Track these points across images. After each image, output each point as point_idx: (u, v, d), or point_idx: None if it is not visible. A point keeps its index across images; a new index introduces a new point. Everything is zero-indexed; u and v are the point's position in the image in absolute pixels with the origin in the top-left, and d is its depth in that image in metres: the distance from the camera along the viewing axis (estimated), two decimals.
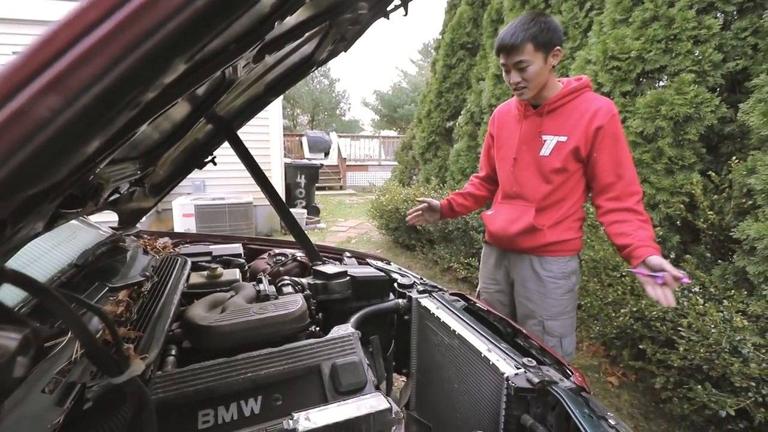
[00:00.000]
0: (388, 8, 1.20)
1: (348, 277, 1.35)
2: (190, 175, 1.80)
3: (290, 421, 0.74)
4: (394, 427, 0.80)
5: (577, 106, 1.38)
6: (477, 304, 1.33)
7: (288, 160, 7.80)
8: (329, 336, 1.03)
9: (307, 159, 11.51)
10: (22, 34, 4.41)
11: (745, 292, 1.90)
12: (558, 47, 1.33)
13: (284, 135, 9.04)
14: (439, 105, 5.51)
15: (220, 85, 1.02)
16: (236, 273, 1.40)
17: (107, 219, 1.64)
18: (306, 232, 1.63)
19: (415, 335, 1.34)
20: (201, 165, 1.68)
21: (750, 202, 1.99)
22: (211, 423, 0.81)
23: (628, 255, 1.28)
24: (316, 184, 7.94)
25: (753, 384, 1.66)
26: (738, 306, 1.85)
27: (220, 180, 5.95)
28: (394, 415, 0.80)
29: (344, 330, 1.06)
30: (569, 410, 0.80)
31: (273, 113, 6.16)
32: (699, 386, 1.81)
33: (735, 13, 2.34)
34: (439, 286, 1.42)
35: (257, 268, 1.61)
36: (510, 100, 1.60)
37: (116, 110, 0.32)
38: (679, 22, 2.35)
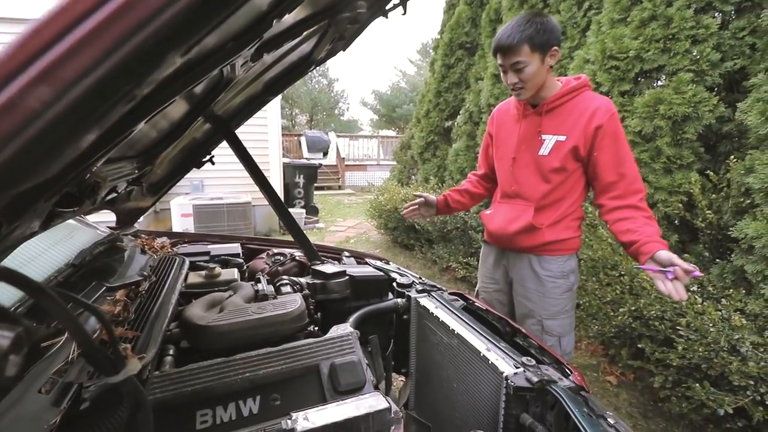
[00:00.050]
0: (387, 7, 1.20)
1: (347, 277, 1.35)
2: (188, 175, 1.79)
3: (289, 421, 0.73)
4: (393, 427, 0.80)
5: (576, 105, 1.38)
6: (476, 304, 1.33)
7: (286, 160, 7.80)
8: (328, 336, 1.02)
9: (306, 159, 11.50)
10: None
11: (744, 291, 1.90)
12: (555, 47, 1.32)
13: (283, 135, 9.04)
14: (437, 105, 5.51)
15: (218, 84, 1.01)
16: (234, 273, 1.39)
17: (105, 219, 1.64)
18: (304, 231, 1.63)
19: (414, 335, 1.34)
20: (199, 164, 1.67)
21: (748, 201, 1.99)
22: (210, 423, 0.80)
23: (636, 252, 1.26)
24: (315, 184, 7.93)
25: (751, 383, 1.67)
26: (736, 305, 1.85)
27: (219, 180, 5.94)
28: (393, 415, 0.80)
29: (343, 329, 1.06)
30: (568, 409, 0.80)
31: (271, 113, 6.15)
32: (697, 385, 1.81)
33: (733, 12, 2.34)
34: (438, 286, 1.42)
35: (256, 267, 1.61)
36: (509, 99, 1.60)
37: (110, 104, 0.32)
38: (678, 22, 2.35)
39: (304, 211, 6.98)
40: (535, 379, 0.87)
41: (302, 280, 1.35)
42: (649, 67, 2.50)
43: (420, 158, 5.91)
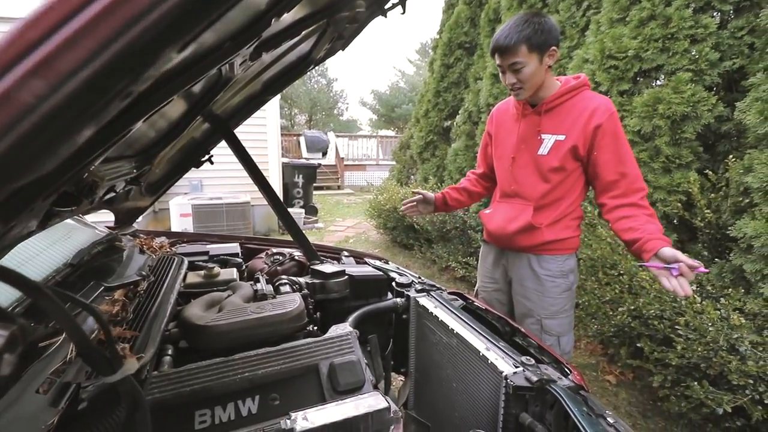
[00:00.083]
0: (386, 6, 1.20)
1: (346, 277, 1.34)
2: (187, 175, 1.79)
3: (288, 421, 0.73)
4: (392, 427, 0.79)
5: (576, 104, 1.38)
6: (475, 303, 1.33)
7: (285, 160, 7.79)
8: (327, 335, 1.02)
9: (305, 159, 11.50)
10: None
11: (742, 290, 1.90)
12: (554, 47, 1.32)
13: (282, 134, 9.03)
14: (436, 104, 5.51)
15: (217, 83, 1.01)
16: (233, 272, 1.39)
17: (104, 219, 1.63)
18: (304, 231, 1.62)
19: (414, 334, 1.34)
20: (198, 164, 1.67)
21: (747, 201, 1.99)
22: (208, 423, 0.80)
23: (639, 249, 1.25)
24: (314, 184, 7.92)
25: (750, 382, 1.67)
26: (735, 304, 1.85)
27: (218, 180, 5.94)
28: (392, 415, 0.80)
29: (342, 329, 1.06)
30: (568, 408, 0.80)
31: (270, 112, 6.14)
32: (696, 384, 1.81)
33: (732, 12, 2.34)
34: (438, 285, 1.42)
35: (255, 267, 1.60)
36: (508, 98, 1.60)
37: (106, 99, 0.31)
38: (676, 21, 2.35)
39: (303, 210, 6.98)
40: (535, 379, 0.87)
41: (301, 279, 1.35)
42: (648, 66, 2.50)
43: (419, 158, 5.91)
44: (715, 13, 2.38)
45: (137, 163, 1.10)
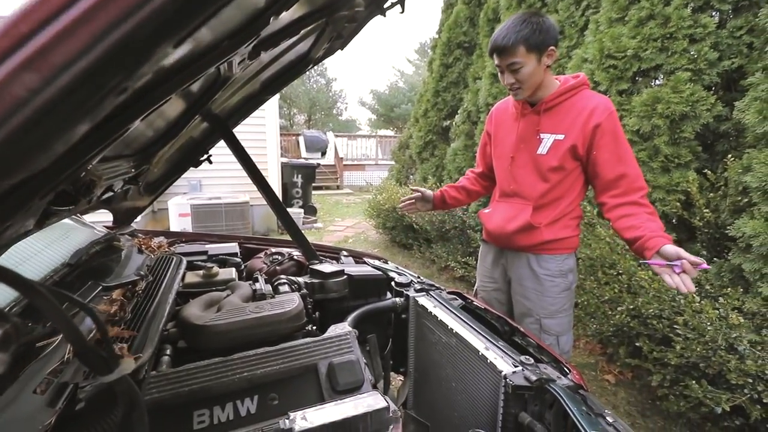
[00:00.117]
0: (385, 5, 1.19)
1: (345, 276, 1.34)
2: (186, 175, 1.79)
3: (287, 421, 0.73)
4: (391, 426, 0.79)
5: (575, 104, 1.38)
6: (474, 303, 1.33)
7: (285, 160, 7.78)
8: (326, 335, 1.02)
9: (304, 158, 11.48)
10: None
11: (741, 290, 1.90)
12: (552, 47, 1.32)
13: (281, 134, 9.01)
14: (435, 104, 5.50)
15: (215, 82, 1.01)
16: (232, 272, 1.39)
17: (102, 218, 1.63)
18: (303, 231, 1.62)
19: (413, 334, 1.34)
20: (196, 163, 1.67)
21: (745, 200, 2.00)
22: (207, 423, 0.80)
23: (641, 247, 1.24)
24: (313, 184, 7.91)
25: (749, 381, 1.67)
26: (734, 303, 1.86)
27: (217, 179, 5.93)
28: (391, 414, 0.79)
29: (341, 329, 1.05)
30: (567, 408, 0.80)
31: (269, 112, 6.13)
32: (695, 383, 1.81)
33: (730, 11, 2.34)
34: (437, 285, 1.42)
35: (254, 267, 1.60)
36: (507, 98, 1.59)
37: (101, 94, 0.31)
38: (675, 21, 2.35)
39: (302, 210, 6.97)
40: (534, 378, 0.87)
41: (300, 279, 1.34)
42: (647, 66, 2.50)
43: (418, 158, 5.91)
44: (714, 13, 2.38)
45: (135, 162, 1.10)
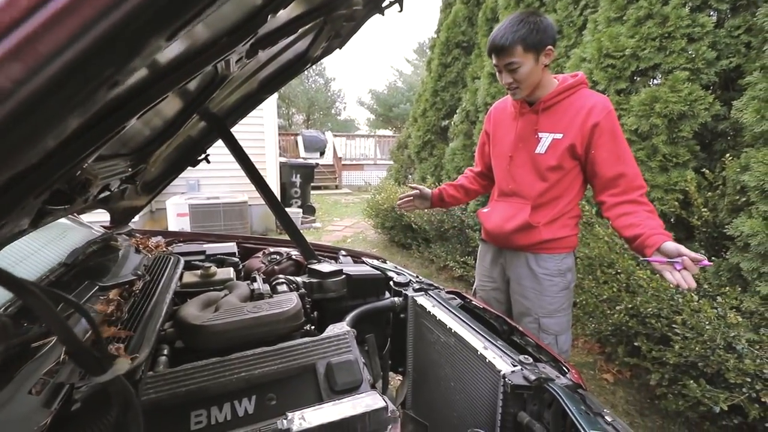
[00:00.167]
0: (383, 4, 1.19)
1: (343, 276, 1.34)
2: (184, 174, 1.78)
3: (284, 421, 0.73)
4: (389, 426, 0.79)
5: (573, 103, 1.38)
6: (473, 302, 1.32)
7: (283, 159, 7.77)
8: (324, 335, 1.02)
9: (303, 158, 11.47)
10: None
11: (739, 289, 1.91)
12: (550, 47, 1.32)
13: (279, 134, 9.01)
14: (434, 104, 5.50)
15: (213, 81, 1.00)
16: (230, 272, 1.38)
17: (99, 218, 1.62)
18: (301, 231, 1.62)
19: (411, 333, 1.34)
20: (194, 163, 1.66)
21: (743, 199, 2.00)
22: (204, 423, 0.79)
23: (641, 245, 1.24)
24: (312, 184, 7.90)
25: (748, 380, 1.67)
26: (732, 302, 1.86)
27: (215, 179, 5.92)
28: (389, 414, 0.79)
29: (339, 328, 1.05)
30: (566, 407, 0.79)
31: (268, 112, 6.13)
32: (693, 383, 1.81)
33: (728, 11, 2.35)
34: (435, 284, 1.41)
35: (252, 266, 1.60)
36: (506, 97, 1.59)
37: (91, 87, 0.30)
38: (673, 20, 2.36)
39: (301, 210, 6.96)
40: (533, 377, 0.87)
41: (299, 279, 1.34)
42: (645, 65, 2.50)
43: (417, 157, 5.90)
44: (712, 12, 2.38)
45: (132, 161, 1.09)
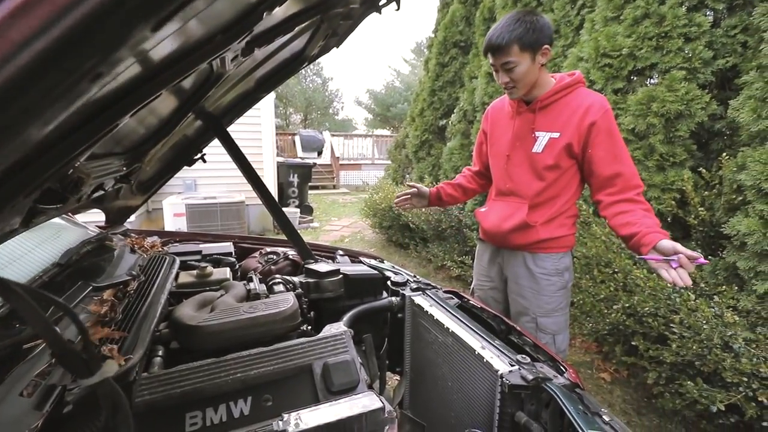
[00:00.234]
0: (380, 3, 1.19)
1: (340, 276, 1.33)
2: (181, 174, 1.77)
3: (280, 422, 0.72)
4: (387, 427, 0.78)
5: (570, 102, 1.38)
6: (470, 302, 1.32)
7: (281, 159, 7.75)
8: (321, 335, 1.01)
9: (300, 158, 11.45)
10: None
11: (736, 288, 1.91)
12: (546, 46, 1.31)
13: (277, 134, 8.99)
14: (432, 103, 5.50)
15: (208, 79, 0.99)
16: (227, 272, 1.37)
17: (94, 219, 1.61)
18: (299, 231, 1.61)
19: (409, 333, 1.33)
20: (190, 162, 1.65)
21: (740, 198, 2.01)
22: (199, 425, 0.78)
23: (637, 243, 1.24)
24: (309, 183, 7.89)
25: (744, 379, 1.67)
26: (729, 302, 1.86)
27: (212, 179, 5.90)
28: (386, 415, 0.79)
29: (336, 328, 1.04)
30: (563, 407, 0.79)
31: (265, 111, 6.11)
32: (690, 382, 1.82)
33: (725, 10, 2.36)
34: (433, 284, 1.41)
35: (248, 266, 1.59)
36: (503, 96, 1.59)
37: (72, 79, 0.29)
38: (670, 20, 2.36)
39: (298, 210, 6.95)
40: (530, 377, 0.87)
41: (295, 278, 1.33)
42: (642, 65, 2.51)
43: (414, 157, 5.90)
44: (708, 12, 2.39)
45: (127, 160, 1.08)
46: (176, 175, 1.75)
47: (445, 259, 4.09)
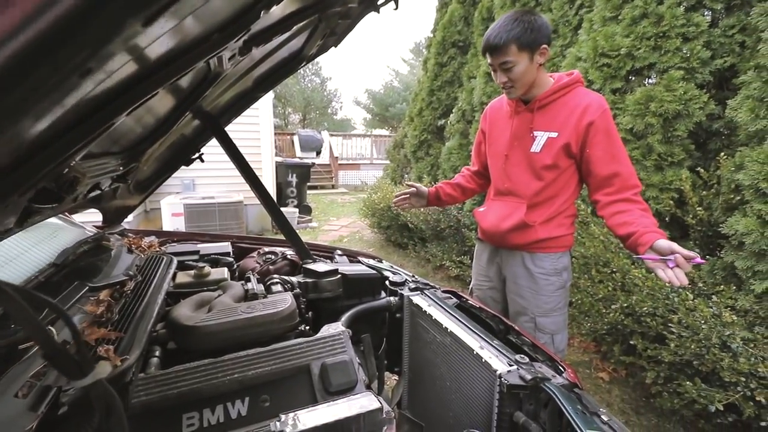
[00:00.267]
0: (379, 2, 1.18)
1: (339, 275, 1.33)
2: (178, 174, 1.76)
3: (278, 423, 0.72)
4: (385, 427, 0.78)
5: (568, 101, 1.38)
6: (469, 301, 1.32)
7: (279, 159, 7.74)
8: (319, 335, 1.01)
9: (299, 158, 11.43)
10: None
11: (734, 287, 1.91)
12: (544, 45, 1.31)
13: (275, 134, 8.97)
14: (430, 103, 5.50)
15: (206, 78, 0.99)
16: (224, 272, 1.37)
17: (92, 219, 1.60)
18: (298, 231, 1.60)
19: (407, 333, 1.33)
20: (188, 162, 1.64)
21: (738, 198, 2.01)
22: (196, 426, 0.78)
23: (634, 243, 1.24)
24: (308, 183, 7.88)
25: (742, 379, 1.67)
26: (727, 301, 1.87)
27: (211, 179, 5.89)
28: (385, 415, 0.78)
29: (334, 329, 1.04)
30: (562, 407, 0.79)
31: (263, 111, 6.10)
32: (689, 382, 1.82)
33: (723, 10, 2.36)
34: (431, 284, 1.41)
35: (246, 266, 1.58)
36: (502, 96, 1.59)
37: (61, 75, 0.29)
38: (668, 20, 2.37)
39: (297, 210, 6.94)
40: (529, 377, 0.86)
41: (293, 278, 1.33)
42: (641, 64, 2.51)
43: (413, 157, 5.90)
44: (706, 12, 2.39)
45: (123, 159, 1.08)
46: (174, 175, 1.74)
47: (444, 258, 4.09)
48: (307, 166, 7.75)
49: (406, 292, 1.33)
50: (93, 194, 1.04)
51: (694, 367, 1.85)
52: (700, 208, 2.20)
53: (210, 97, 1.28)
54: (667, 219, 2.42)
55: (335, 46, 1.46)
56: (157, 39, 0.46)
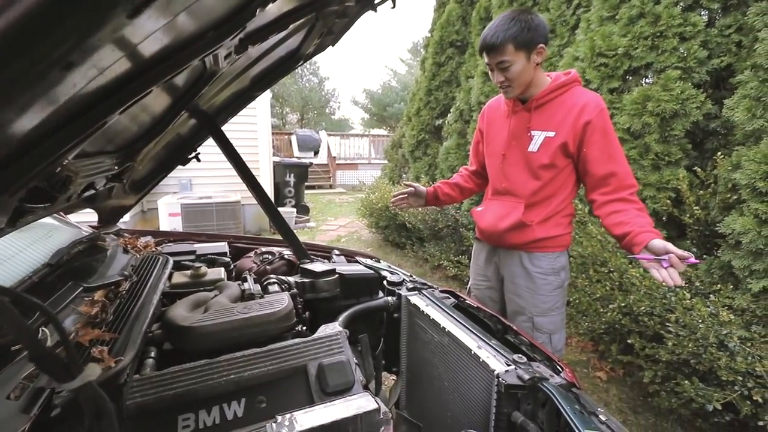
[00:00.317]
0: (376, 1, 1.18)
1: (336, 275, 1.32)
2: (175, 173, 1.75)
3: (274, 424, 0.71)
4: (382, 428, 0.78)
5: (565, 101, 1.37)
6: (467, 301, 1.31)
7: (277, 159, 7.73)
8: (316, 335, 1.00)
9: (297, 158, 11.41)
10: None
11: (731, 286, 1.92)
12: (542, 45, 1.31)
13: (273, 133, 8.96)
14: (428, 103, 5.50)
15: (201, 76, 0.98)
16: (221, 272, 1.36)
17: (88, 218, 1.59)
18: (295, 231, 1.60)
19: (405, 333, 1.33)
20: (184, 161, 1.63)
21: (735, 197, 2.01)
22: (192, 427, 0.78)
23: (630, 243, 1.24)
24: (306, 183, 7.87)
25: (739, 378, 1.68)
26: (724, 300, 1.87)
27: (208, 178, 5.86)
28: (382, 416, 0.78)
29: (332, 329, 1.03)
30: (560, 406, 0.79)
31: (261, 110, 6.08)
32: (686, 381, 1.82)
33: (719, 10, 2.36)
34: (429, 284, 1.40)
35: (243, 266, 1.57)
36: (499, 95, 1.58)
37: (40, 67, 0.28)
38: (665, 20, 2.37)
39: (294, 210, 6.92)
40: (527, 377, 0.86)
41: (291, 278, 1.32)
42: (638, 64, 2.52)
43: (411, 156, 5.90)
44: (703, 12, 2.40)
45: (118, 159, 1.07)
46: (171, 175, 1.73)
47: (442, 258, 4.08)
48: (305, 166, 7.73)
49: (403, 291, 1.32)
50: (87, 194, 1.03)
51: (692, 366, 1.85)
52: (697, 208, 2.20)
53: (206, 95, 1.27)
54: (664, 218, 2.43)
55: (333, 46, 1.45)
56: (150, 35, 0.45)
